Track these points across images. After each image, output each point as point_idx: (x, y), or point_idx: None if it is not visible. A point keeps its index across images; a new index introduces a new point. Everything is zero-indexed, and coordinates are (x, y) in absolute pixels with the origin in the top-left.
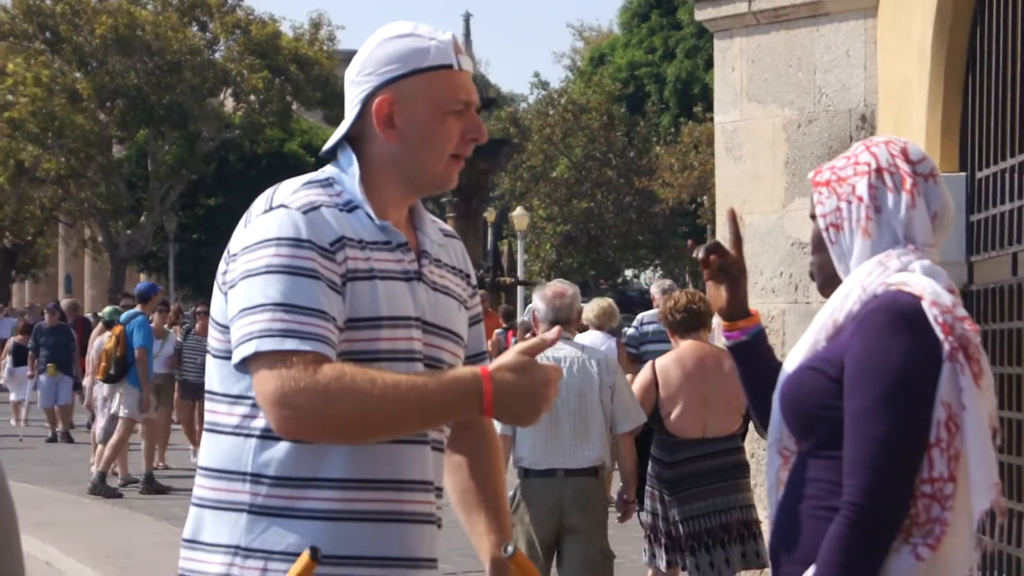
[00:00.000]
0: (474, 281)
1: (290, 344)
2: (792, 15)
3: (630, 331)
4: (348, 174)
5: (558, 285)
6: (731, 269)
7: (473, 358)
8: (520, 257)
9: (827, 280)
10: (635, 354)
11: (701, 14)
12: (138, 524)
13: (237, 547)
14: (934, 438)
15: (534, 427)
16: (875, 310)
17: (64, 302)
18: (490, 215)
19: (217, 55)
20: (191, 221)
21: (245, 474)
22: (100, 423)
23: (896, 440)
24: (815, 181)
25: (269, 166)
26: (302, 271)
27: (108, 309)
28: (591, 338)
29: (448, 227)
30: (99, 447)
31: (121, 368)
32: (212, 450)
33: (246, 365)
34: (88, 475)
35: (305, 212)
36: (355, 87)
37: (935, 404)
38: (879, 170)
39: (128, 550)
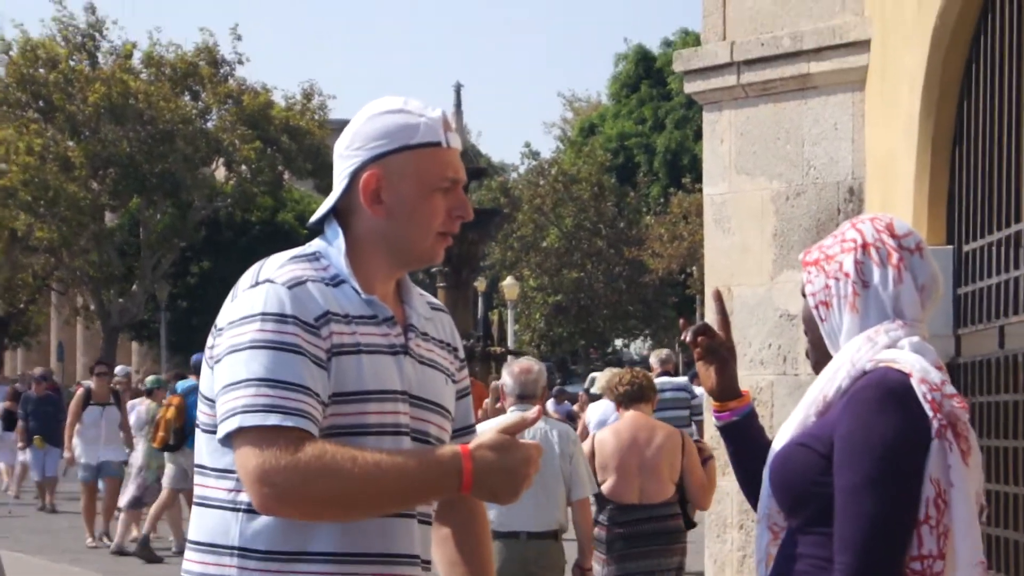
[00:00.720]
0: (462, 355)
1: (273, 420)
2: (780, 88)
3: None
4: (335, 248)
5: (524, 362)
6: (720, 350)
7: (460, 431)
8: (510, 327)
9: (821, 358)
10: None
11: (690, 87)
12: None
13: None
14: (923, 515)
15: None
16: (864, 387)
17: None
18: (480, 285)
19: (209, 124)
20: (182, 290)
21: (232, 548)
22: (131, 491)
23: (886, 517)
24: (804, 261)
25: (261, 234)
26: (286, 347)
27: (151, 379)
28: (603, 407)
29: (436, 300)
30: (123, 514)
31: (180, 438)
32: (200, 524)
33: (230, 440)
34: (78, 543)
35: (290, 287)
36: (343, 160)
37: (924, 481)
38: (865, 246)
39: None
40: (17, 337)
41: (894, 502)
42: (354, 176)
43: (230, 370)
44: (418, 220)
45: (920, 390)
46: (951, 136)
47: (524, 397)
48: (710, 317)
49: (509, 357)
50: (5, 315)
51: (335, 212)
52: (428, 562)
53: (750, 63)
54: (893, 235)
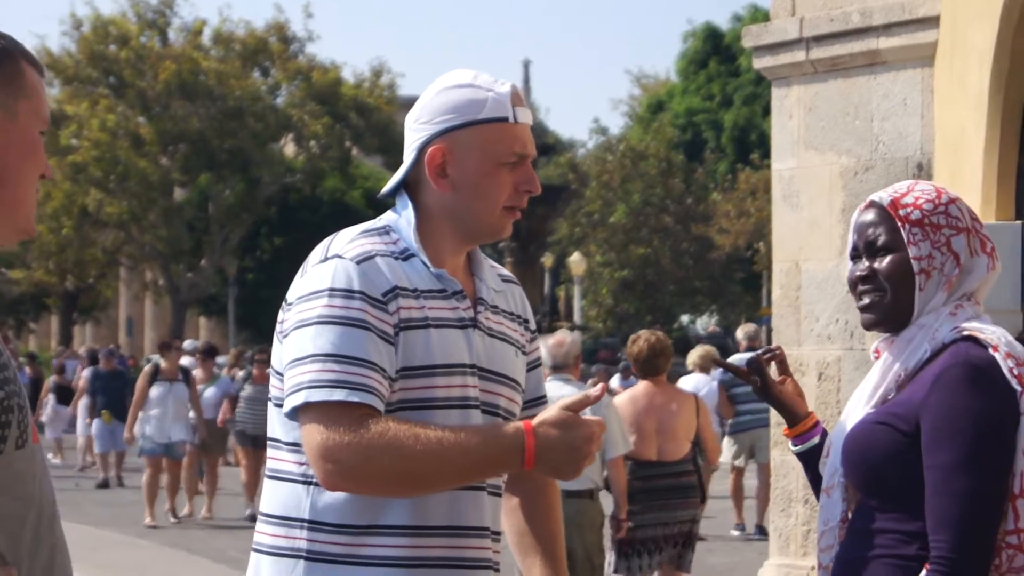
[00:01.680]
0: (533, 326)
1: (339, 395)
2: (849, 64)
3: (720, 376)
4: (404, 221)
5: (558, 335)
6: (772, 392)
7: (532, 402)
8: (577, 302)
9: (894, 315)
10: (730, 395)
11: (759, 62)
12: (196, 567)
13: None
14: (1018, 489)
15: None
16: (951, 366)
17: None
18: (548, 260)
19: (279, 101)
20: (251, 265)
21: (303, 521)
22: None
23: (982, 494)
24: (901, 216)
25: (330, 211)
26: (353, 322)
27: None
28: (694, 381)
29: (507, 272)
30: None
31: None
32: (272, 496)
33: (296, 415)
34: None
35: (359, 263)
36: (412, 133)
37: (1016, 455)
38: (967, 230)
39: None
40: (86, 312)
41: (989, 479)
42: (421, 150)
43: (297, 345)
44: (483, 195)
45: (1006, 365)
46: (1020, 112)
47: (557, 368)
48: (778, 293)
49: (575, 331)
50: (75, 290)
51: (405, 185)
52: (498, 533)
53: (819, 39)
54: (978, 223)
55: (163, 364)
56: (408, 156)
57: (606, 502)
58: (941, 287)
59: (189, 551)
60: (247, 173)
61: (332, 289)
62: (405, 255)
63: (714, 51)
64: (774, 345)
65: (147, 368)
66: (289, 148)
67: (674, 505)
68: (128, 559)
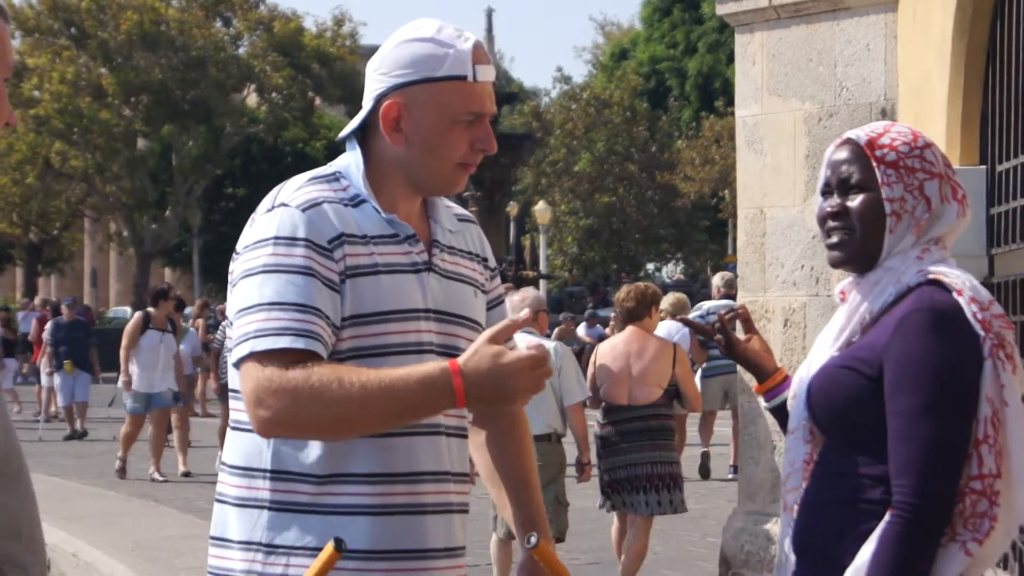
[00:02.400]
0: (492, 264)
1: (283, 343)
2: (813, 9)
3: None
4: (354, 167)
5: (522, 291)
6: (738, 349)
7: None
8: (543, 251)
9: (861, 254)
10: (702, 341)
11: (722, 9)
12: (164, 517)
13: (259, 543)
14: (982, 435)
15: None
16: (914, 310)
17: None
18: (513, 210)
19: (241, 51)
20: (216, 215)
21: (265, 471)
22: None
23: (944, 440)
24: (877, 156)
25: (293, 161)
26: (299, 269)
27: None
28: (667, 328)
29: (464, 212)
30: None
31: None
32: (234, 447)
33: (240, 364)
34: (112, 466)
35: (304, 210)
36: (372, 82)
37: (980, 401)
38: (940, 175)
39: (154, 542)
40: (51, 264)
41: (952, 425)
42: (378, 101)
43: (244, 295)
44: (437, 152)
45: (970, 309)
46: (984, 56)
47: None
48: (743, 240)
49: (541, 281)
50: (39, 242)
51: (363, 129)
52: (463, 474)
53: None
54: (951, 169)
55: (154, 313)
56: (366, 104)
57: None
58: (910, 230)
59: (157, 501)
60: (210, 124)
61: (277, 237)
62: (356, 201)
63: None
64: (737, 303)
65: (137, 316)
66: (252, 99)
67: (645, 447)
68: (96, 510)
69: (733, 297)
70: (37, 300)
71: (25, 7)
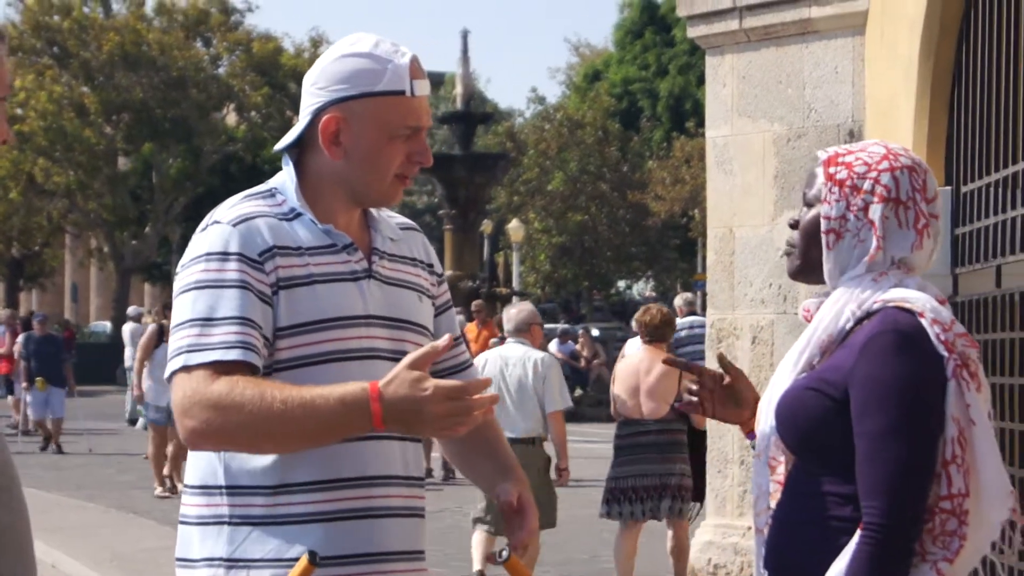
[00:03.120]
0: (439, 270)
1: (214, 356)
2: (782, 32)
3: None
4: (289, 181)
5: (518, 304)
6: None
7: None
8: (516, 268)
9: (804, 268)
10: (679, 355)
11: (693, 31)
12: (143, 529)
13: (221, 559)
14: (950, 455)
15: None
16: (878, 333)
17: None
18: (487, 227)
19: (220, 71)
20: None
21: (221, 487)
22: None
23: (912, 461)
24: (828, 173)
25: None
26: (229, 283)
27: None
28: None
29: (407, 220)
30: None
31: None
32: (192, 467)
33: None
34: (90, 479)
35: (235, 225)
36: (309, 96)
37: (947, 421)
38: (896, 201)
39: (132, 554)
40: (32, 279)
41: (918, 446)
42: (316, 115)
43: (178, 311)
44: (375, 165)
45: (932, 331)
46: (950, 79)
47: (515, 331)
48: (712, 258)
49: (514, 297)
50: (21, 257)
51: (300, 144)
52: (415, 478)
53: (752, 8)
54: (925, 198)
55: (168, 325)
56: (303, 118)
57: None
58: (861, 255)
59: (136, 513)
60: (190, 142)
61: (209, 253)
62: (291, 215)
63: (650, 21)
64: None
65: (152, 329)
66: (231, 118)
67: (653, 459)
68: (75, 522)
69: (695, 313)
70: (1, 312)
71: (8, 27)
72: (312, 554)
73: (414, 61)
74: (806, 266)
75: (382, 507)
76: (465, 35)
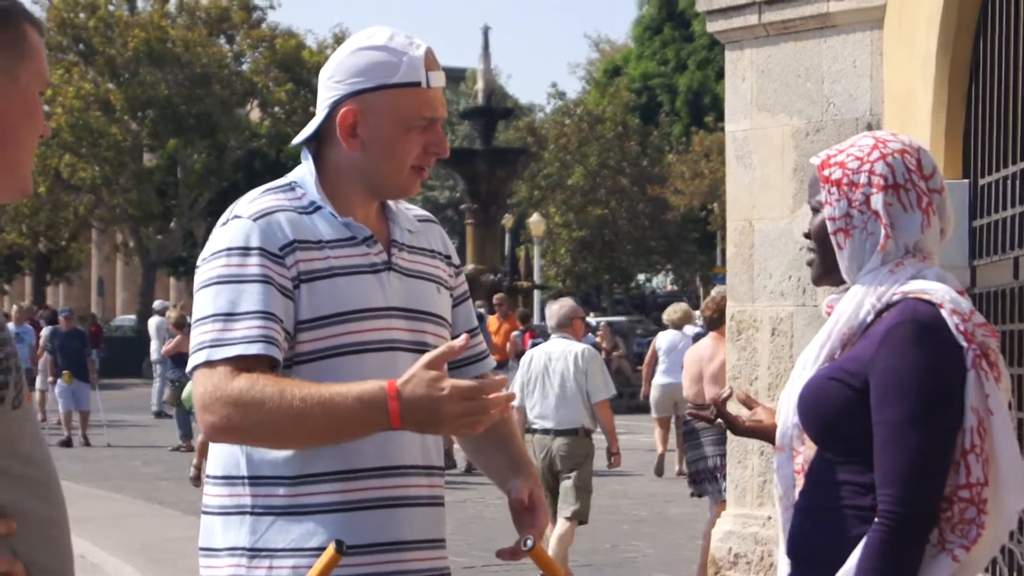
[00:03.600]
0: (456, 261)
1: (236, 351)
2: (800, 27)
3: (698, 330)
4: (308, 175)
5: (560, 300)
6: (741, 427)
7: (470, 332)
8: (537, 262)
9: (825, 272)
10: None
11: (712, 26)
12: (169, 519)
13: (243, 548)
14: (968, 444)
15: (537, 397)
16: (898, 323)
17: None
18: (508, 222)
19: (244, 68)
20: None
21: (244, 478)
22: None
23: (929, 450)
24: (823, 176)
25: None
26: (250, 278)
27: None
28: (670, 337)
29: (424, 212)
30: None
31: None
32: (215, 458)
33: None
34: (117, 470)
35: (255, 219)
36: (325, 90)
37: (965, 411)
38: (895, 186)
39: (159, 543)
40: (59, 273)
41: (936, 435)
42: (333, 108)
43: (200, 305)
44: (392, 156)
45: (952, 321)
46: (967, 72)
47: (558, 327)
48: (732, 251)
49: (535, 291)
50: (47, 252)
51: (317, 137)
52: (435, 467)
53: (771, 3)
54: (923, 176)
55: None
56: (320, 111)
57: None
58: (872, 246)
59: (162, 504)
60: (214, 138)
61: (230, 248)
62: (311, 208)
63: (669, 17)
64: (726, 388)
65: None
66: (254, 114)
67: (715, 441)
68: (103, 512)
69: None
70: (21, 305)
71: None
72: (339, 543)
73: (429, 53)
74: (826, 271)
75: (402, 496)
76: (486, 31)
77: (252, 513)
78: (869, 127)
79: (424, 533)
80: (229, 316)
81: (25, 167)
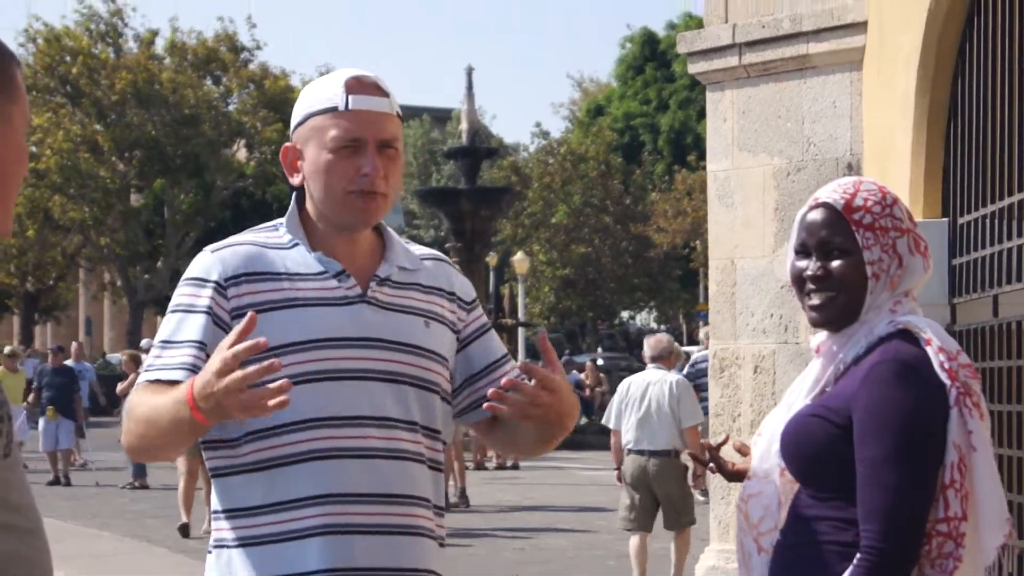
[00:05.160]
0: (467, 298)
1: (156, 376)
2: (781, 68)
3: (686, 371)
4: (291, 215)
5: (658, 335)
6: (733, 474)
7: (489, 367)
8: (521, 300)
9: (843, 316)
10: (696, 385)
11: (694, 67)
12: (156, 557)
13: None
14: (948, 480)
15: (633, 421)
16: (880, 362)
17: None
18: (492, 259)
19: (231, 108)
20: None
21: (218, 512)
22: None
23: (910, 487)
24: (853, 219)
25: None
26: (197, 308)
27: None
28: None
29: (434, 252)
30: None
31: None
32: (212, 494)
33: None
34: (105, 508)
35: (215, 251)
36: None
37: (947, 447)
38: (908, 231)
39: None
40: (47, 312)
41: (916, 472)
42: None
43: (159, 330)
44: (321, 181)
45: (937, 359)
46: (946, 113)
47: (655, 359)
48: (714, 289)
49: (519, 328)
50: (36, 291)
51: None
52: (415, 497)
53: (751, 44)
54: (912, 223)
55: None
56: None
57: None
58: (886, 287)
59: (150, 542)
60: (201, 178)
61: (188, 278)
62: (291, 245)
63: (651, 57)
64: (722, 434)
65: None
66: (241, 153)
67: None
68: (90, 550)
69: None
70: (80, 342)
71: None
72: None
73: (357, 79)
74: (846, 314)
75: (377, 524)
76: (470, 72)
77: (230, 546)
78: (849, 167)
79: (416, 562)
80: (167, 344)
81: (9, 209)
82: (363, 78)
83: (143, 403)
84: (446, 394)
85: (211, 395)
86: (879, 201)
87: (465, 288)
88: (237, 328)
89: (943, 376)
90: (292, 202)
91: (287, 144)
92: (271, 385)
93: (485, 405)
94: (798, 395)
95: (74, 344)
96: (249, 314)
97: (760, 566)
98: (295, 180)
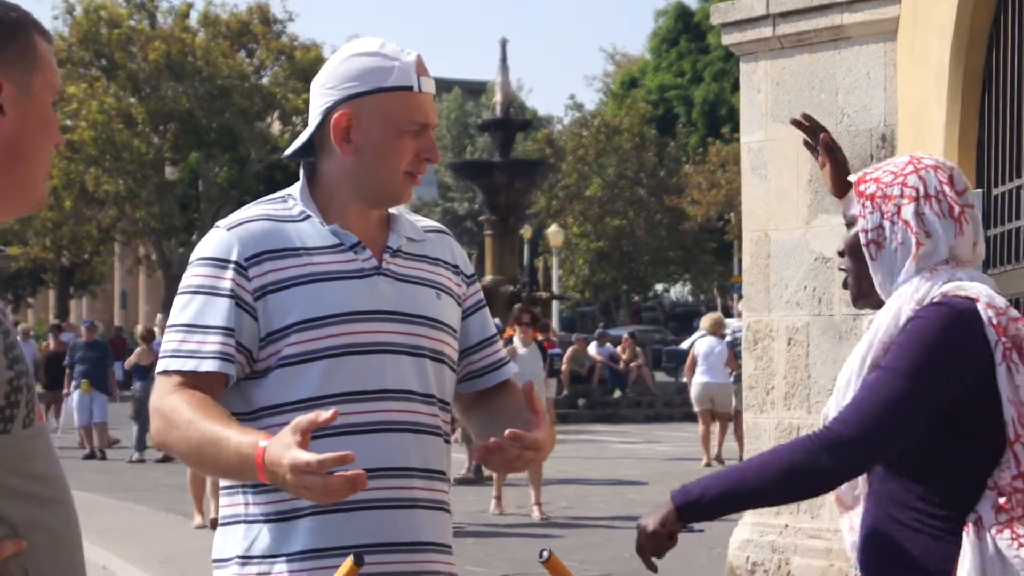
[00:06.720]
0: (468, 272)
1: (189, 365)
2: (815, 39)
3: (730, 338)
4: (302, 186)
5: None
6: (835, 150)
7: (483, 343)
8: (555, 272)
9: (862, 292)
10: (736, 352)
11: (728, 39)
12: (191, 531)
13: (240, 557)
14: (1013, 435)
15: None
16: (931, 304)
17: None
18: (526, 232)
19: (264, 80)
20: None
21: (238, 486)
22: None
23: (898, 402)
24: (859, 191)
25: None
26: (213, 291)
27: None
28: (708, 342)
29: (436, 224)
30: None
31: None
32: None
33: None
34: (139, 481)
35: (230, 229)
36: (318, 98)
37: (1003, 403)
38: (927, 196)
39: (181, 556)
40: (82, 286)
41: (916, 390)
42: (327, 114)
43: (172, 312)
44: (385, 160)
45: (986, 314)
46: (980, 84)
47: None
48: (748, 261)
49: (553, 301)
50: (71, 265)
51: (313, 148)
52: (432, 471)
53: (785, 15)
54: (955, 191)
55: None
56: (313, 120)
57: None
58: (904, 257)
59: (184, 515)
60: (236, 151)
61: (202, 258)
62: (301, 217)
63: (684, 29)
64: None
65: None
66: (275, 126)
67: None
68: (124, 523)
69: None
70: (27, 320)
71: (57, 39)
72: (358, 556)
73: (419, 60)
74: (862, 291)
75: (390, 499)
76: (504, 44)
77: (244, 521)
78: (883, 138)
79: (434, 536)
80: (191, 328)
81: (40, 180)
82: (422, 60)
83: (192, 421)
84: (455, 365)
85: (280, 473)
86: (895, 171)
87: (465, 261)
88: (317, 413)
89: (991, 331)
90: (302, 173)
91: (341, 112)
92: (347, 474)
93: (475, 456)
94: (849, 374)
95: (82, 327)
96: (332, 411)
97: (844, 527)
98: (346, 151)
